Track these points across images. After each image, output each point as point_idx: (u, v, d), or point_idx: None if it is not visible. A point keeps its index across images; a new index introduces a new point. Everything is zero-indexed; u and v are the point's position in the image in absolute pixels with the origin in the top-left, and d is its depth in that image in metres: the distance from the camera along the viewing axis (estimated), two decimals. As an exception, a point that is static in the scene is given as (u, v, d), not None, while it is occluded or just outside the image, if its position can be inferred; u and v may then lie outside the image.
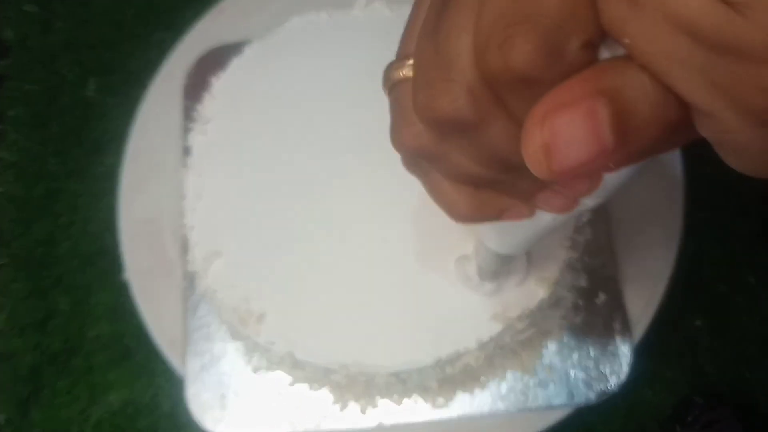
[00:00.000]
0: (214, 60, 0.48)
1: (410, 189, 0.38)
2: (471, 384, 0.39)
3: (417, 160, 0.22)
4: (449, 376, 0.37)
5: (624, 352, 0.40)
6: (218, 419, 0.41)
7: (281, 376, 0.41)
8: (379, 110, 0.41)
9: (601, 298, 0.41)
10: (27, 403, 0.52)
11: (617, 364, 0.39)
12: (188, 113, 0.47)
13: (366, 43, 0.43)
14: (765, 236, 0.51)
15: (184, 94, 0.49)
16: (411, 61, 0.19)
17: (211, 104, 0.43)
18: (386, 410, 0.40)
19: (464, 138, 0.18)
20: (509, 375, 0.40)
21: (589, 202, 0.21)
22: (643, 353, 0.42)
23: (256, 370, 0.41)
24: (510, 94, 0.15)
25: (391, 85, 0.21)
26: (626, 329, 0.40)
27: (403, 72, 0.20)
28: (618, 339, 0.40)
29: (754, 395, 0.48)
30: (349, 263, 0.38)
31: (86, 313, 0.53)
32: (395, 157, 0.40)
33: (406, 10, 0.43)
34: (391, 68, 0.21)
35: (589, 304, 0.41)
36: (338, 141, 0.41)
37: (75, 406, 0.51)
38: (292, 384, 0.41)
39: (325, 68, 0.43)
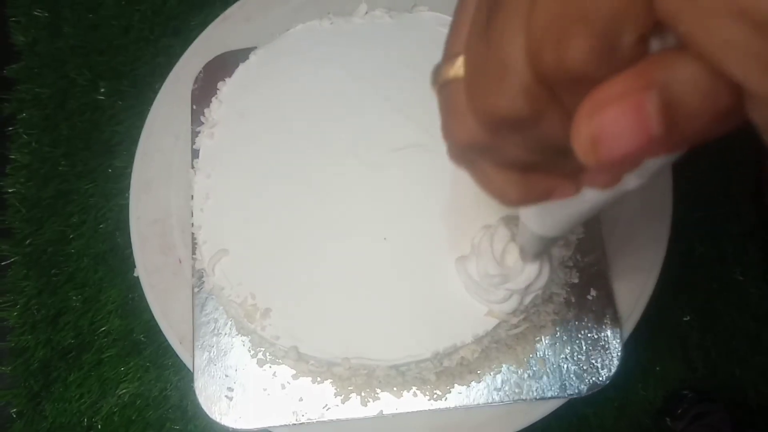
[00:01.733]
0: (221, 65, 0.50)
1: (410, 190, 0.41)
2: (467, 376, 0.41)
3: (466, 152, 0.22)
4: (446, 369, 0.39)
5: (615, 346, 0.41)
6: (225, 411, 0.43)
7: (285, 370, 0.43)
8: (380, 114, 0.43)
9: (593, 294, 0.43)
10: (39, 397, 0.53)
11: (608, 357, 0.41)
12: (196, 117, 0.48)
13: (367, 50, 0.45)
14: (754, 236, 0.53)
15: (192, 99, 0.50)
16: (460, 61, 0.19)
17: (218, 108, 0.45)
18: (386, 402, 0.42)
19: (517, 132, 0.18)
20: (504, 368, 0.41)
21: (632, 182, 0.22)
22: (634, 348, 0.43)
23: (261, 363, 0.43)
24: (564, 90, 0.16)
25: (441, 85, 0.21)
26: (617, 324, 0.42)
27: (453, 71, 0.20)
28: (609, 333, 0.42)
29: (743, 389, 0.49)
30: (351, 260, 0.39)
31: (97, 309, 0.55)
32: (396, 158, 0.42)
33: (405, 18, 0.45)
34: (440, 68, 0.21)
35: (581, 300, 0.43)
36: (341, 143, 0.42)
37: (86, 399, 0.53)
38: (295, 377, 0.42)
39: (328, 73, 0.44)
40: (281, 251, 0.40)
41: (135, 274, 0.49)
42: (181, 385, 0.52)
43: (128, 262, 0.50)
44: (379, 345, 0.37)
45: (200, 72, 0.51)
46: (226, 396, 0.43)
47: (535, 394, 0.41)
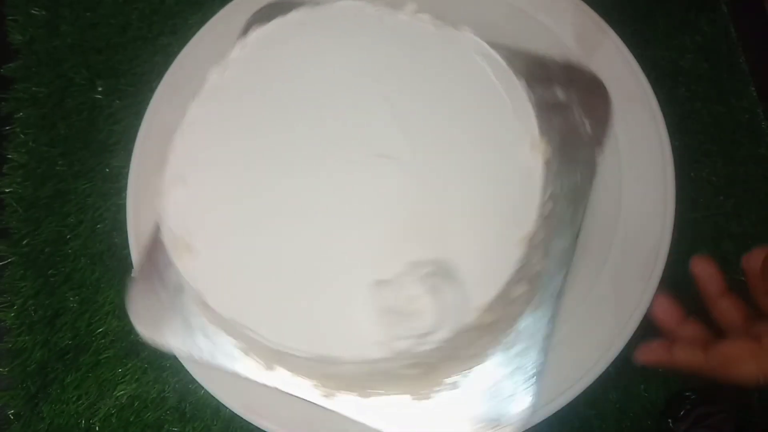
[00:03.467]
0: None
1: (380, 190, 0.39)
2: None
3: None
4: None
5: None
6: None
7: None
8: (357, 110, 0.41)
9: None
10: (36, 399, 0.53)
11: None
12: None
13: (351, 41, 0.44)
14: (757, 237, 0.52)
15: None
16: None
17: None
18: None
19: None
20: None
21: None
22: (636, 349, 0.43)
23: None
24: None
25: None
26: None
27: None
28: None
29: (746, 391, 0.49)
30: (323, 258, 0.38)
31: (94, 310, 0.54)
32: (373, 165, 0.40)
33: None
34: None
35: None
36: (321, 143, 0.41)
37: (83, 401, 0.52)
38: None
39: (307, 69, 0.43)
40: (249, 246, 0.39)
41: (133, 275, 0.48)
42: (179, 387, 0.51)
43: (126, 263, 0.50)
44: (354, 344, 0.36)
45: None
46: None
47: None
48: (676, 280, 0.48)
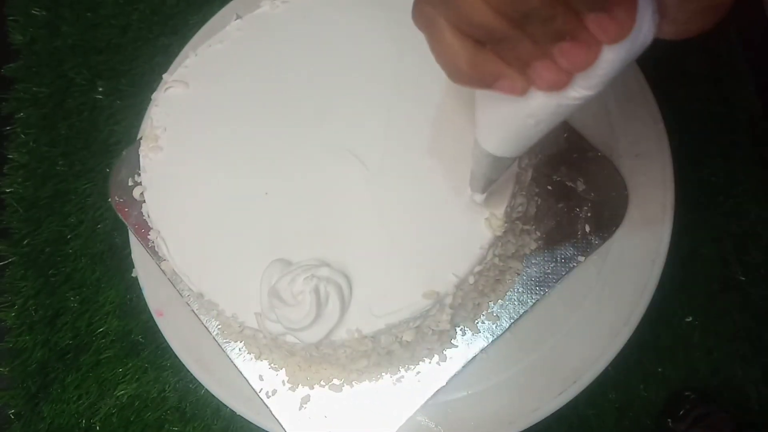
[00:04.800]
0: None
1: (333, 183, 0.38)
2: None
3: (427, 7, 0.22)
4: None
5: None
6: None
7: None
8: (344, 102, 0.39)
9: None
10: (36, 398, 0.53)
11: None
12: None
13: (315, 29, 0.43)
14: (757, 237, 0.52)
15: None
16: None
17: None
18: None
19: None
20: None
21: (577, 92, 0.22)
22: (635, 348, 0.43)
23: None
24: None
25: None
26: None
27: None
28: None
29: (745, 390, 0.49)
30: (258, 226, 0.38)
31: (95, 309, 0.55)
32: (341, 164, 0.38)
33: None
34: None
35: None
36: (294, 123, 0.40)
37: (84, 400, 0.52)
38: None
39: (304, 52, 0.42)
40: (218, 236, 0.39)
41: (133, 275, 0.48)
42: (179, 387, 0.51)
43: (126, 262, 0.50)
44: (232, 296, 0.36)
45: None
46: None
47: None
48: (678, 282, 0.48)
